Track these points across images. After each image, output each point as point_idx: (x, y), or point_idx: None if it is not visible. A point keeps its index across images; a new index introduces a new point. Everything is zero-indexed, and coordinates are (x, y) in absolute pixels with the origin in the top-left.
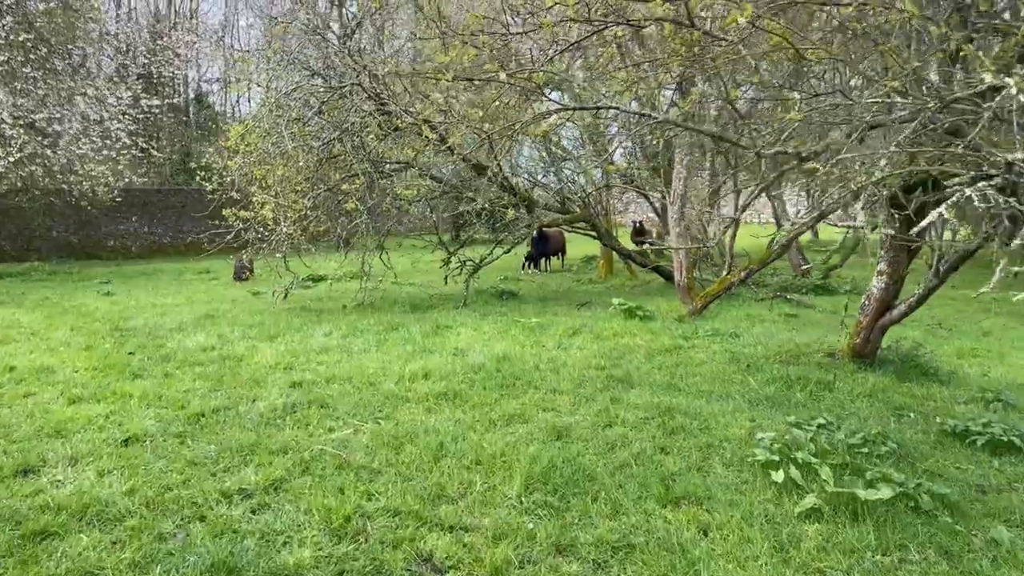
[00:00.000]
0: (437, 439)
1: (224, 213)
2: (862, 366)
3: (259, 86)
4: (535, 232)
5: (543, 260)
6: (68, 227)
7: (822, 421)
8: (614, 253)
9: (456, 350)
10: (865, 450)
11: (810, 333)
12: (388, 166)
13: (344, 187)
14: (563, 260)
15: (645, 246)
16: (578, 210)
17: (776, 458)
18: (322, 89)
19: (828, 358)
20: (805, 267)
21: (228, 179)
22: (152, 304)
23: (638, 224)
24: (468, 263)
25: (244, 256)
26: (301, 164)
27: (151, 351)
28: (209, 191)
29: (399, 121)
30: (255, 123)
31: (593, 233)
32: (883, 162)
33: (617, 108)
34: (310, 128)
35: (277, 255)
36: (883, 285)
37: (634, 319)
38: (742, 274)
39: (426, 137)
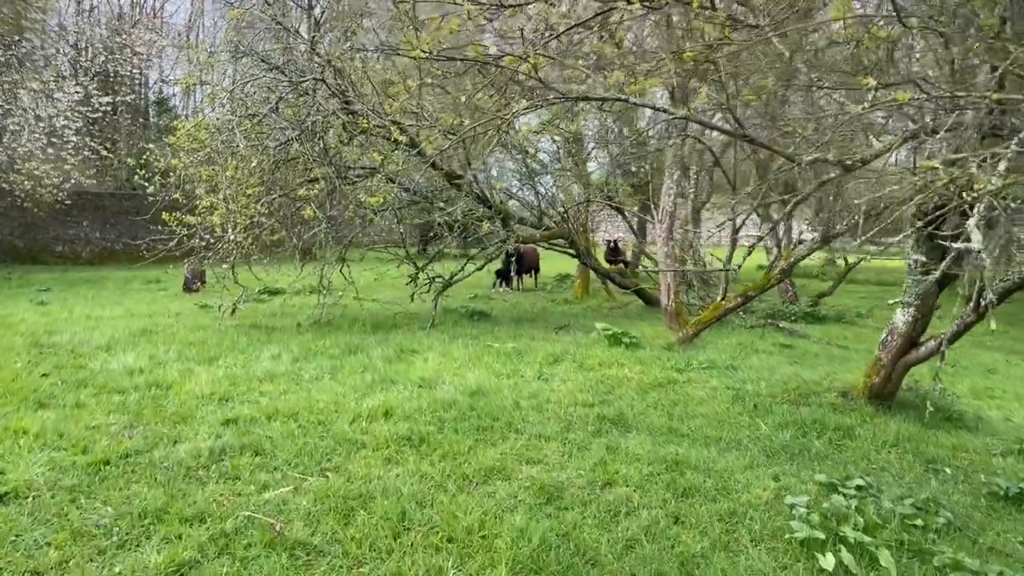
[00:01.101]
0: (398, 504)
1: (164, 217)
2: (880, 409)
3: (207, 84)
4: (509, 248)
5: (516, 278)
6: (12, 229)
7: (860, 482)
8: (591, 272)
9: (422, 380)
10: (920, 522)
11: (814, 368)
12: (352, 171)
13: (301, 192)
14: (536, 278)
15: (624, 266)
16: (555, 226)
17: (819, 535)
18: (283, 83)
19: (841, 398)
20: (791, 292)
21: (171, 180)
22: (86, 316)
23: (612, 243)
24: (437, 280)
25: (187, 265)
26: (254, 165)
27: (68, 373)
28: (149, 193)
29: (365, 122)
30: (203, 115)
31: (572, 251)
32: (1003, 165)
33: (627, 100)
34: (266, 126)
35: (224, 266)
36: (909, 319)
37: (619, 346)
38: (738, 300)
39: (395, 140)
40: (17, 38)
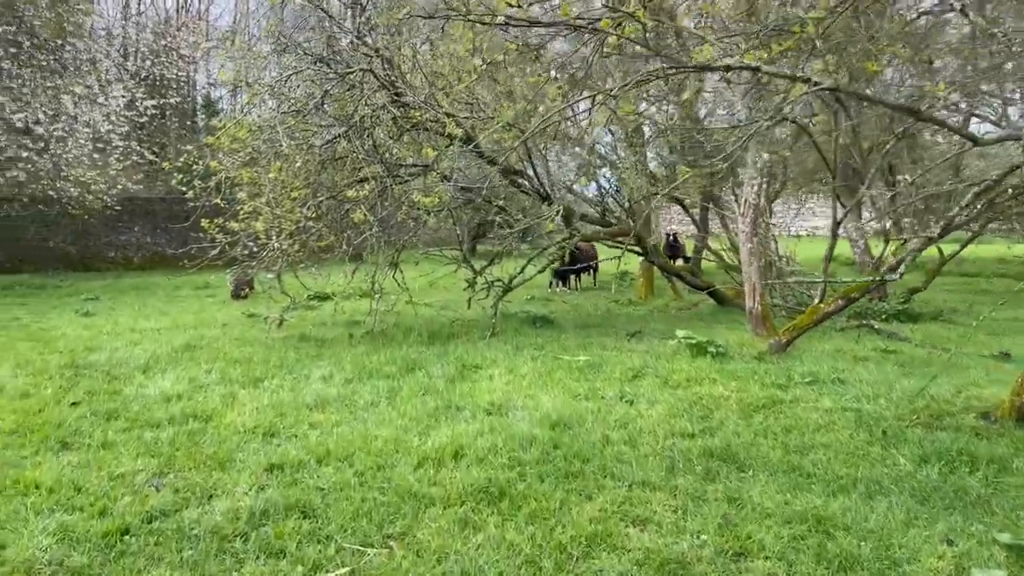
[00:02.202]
0: None
1: (203, 224)
2: None
3: (251, 84)
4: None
5: (573, 277)
6: (65, 237)
7: None
8: (655, 270)
9: (491, 406)
10: None
11: (932, 379)
12: (404, 169)
13: (350, 194)
14: (595, 277)
15: (684, 261)
16: (619, 222)
17: None
18: (329, 76)
19: (983, 420)
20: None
21: (213, 183)
22: (130, 329)
23: (672, 236)
24: (496, 284)
25: (231, 275)
26: (299, 166)
27: (100, 401)
28: (188, 197)
29: (419, 114)
30: (246, 113)
31: (637, 249)
32: None
33: (756, 68)
34: (312, 122)
35: (269, 275)
36: None
37: (704, 356)
38: (839, 302)
39: (449, 135)
40: (60, 42)
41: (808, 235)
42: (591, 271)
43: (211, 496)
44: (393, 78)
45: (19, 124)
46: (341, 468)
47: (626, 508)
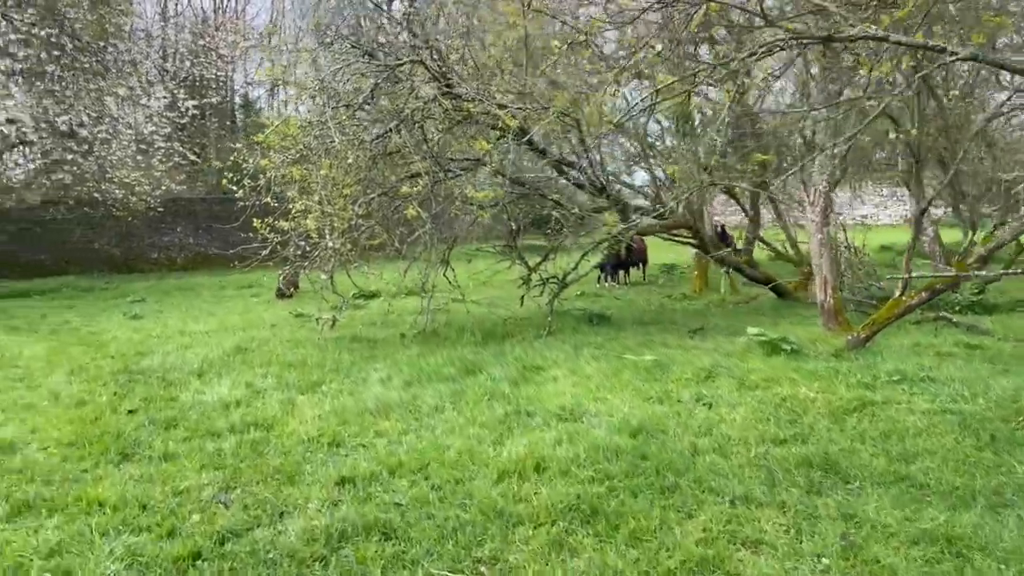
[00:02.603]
0: None
1: (256, 224)
2: None
3: (290, 83)
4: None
5: (622, 272)
6: (110, 239)
7: None
8: (709, 263)
9: (562, 411)
10: None
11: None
12: (455, 163)
13: (404, 189)
14: (645, 271)
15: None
16: (674, 214)
17: None
18: (378, 68)
19: None
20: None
21: (262, 182)
22: (180, 331)
23: (720, 228)
24: (551, 281)
25: (282, 276)
26: (350, 162)
27: (157, 408)
28: (238, 197)
29: (471, 106)
30: (293, 110)
31: (693, 241)
32: None
33: (884, 38)
34: (361, 118)
35: (323, 275)
36: None
37: (779, 355)
38: (922, 295)
39: (502, 128)
40: (103, 44)
41: (861, 224)
42: (640, 265)
43: (282, 513)
44: (444, 69)
45: (63, 127)
46: (416, 481)
47: (733, 528)
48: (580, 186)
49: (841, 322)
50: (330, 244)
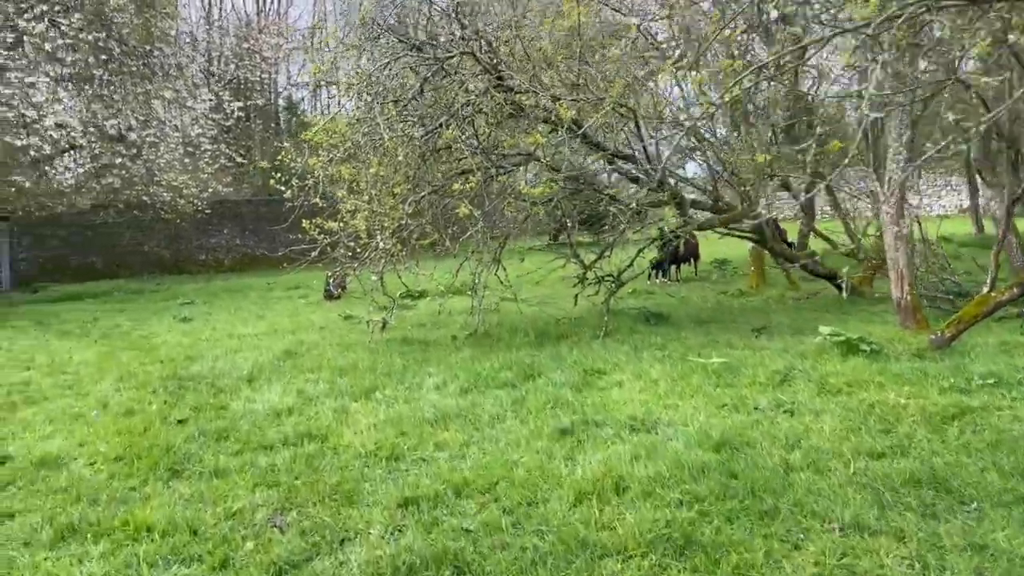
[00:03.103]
0: None
1: (304, 226)
2: None
3: (334, 84)
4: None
5: (674, 268)
6: (159, 242)
7: None
8: (766, 257)
9: (633, 421)
10: None
11: None
12: (507, 159)
13: (456, 187)
14: (696, 267)
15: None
16: (730, 207)
17: None
18: (428, 62)
19: None
20: None
21: (310, 182)
22: (228, 335)
23: (773, 221)
24: (607, 279)
25: (332, 278)
26: (400, 159)
27: (208, 418)
28: (286, 198)
29: (524, 98)
30: (340, 108)
31: (753, 236)
32: None
33: None
34: (409, 113)
35: (372, 277)
36: None
37: (857, 356)
38: (1013, 291)
39: (555, 120)
40: (148, 48)
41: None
42: (692, 261)
43: (343, 540)
44: (495, 61)
45: (112, 131)
46: (485, 504)
47: (850, 561)
48: (635, 180)
49: (919, 320)
50: (381, 245)
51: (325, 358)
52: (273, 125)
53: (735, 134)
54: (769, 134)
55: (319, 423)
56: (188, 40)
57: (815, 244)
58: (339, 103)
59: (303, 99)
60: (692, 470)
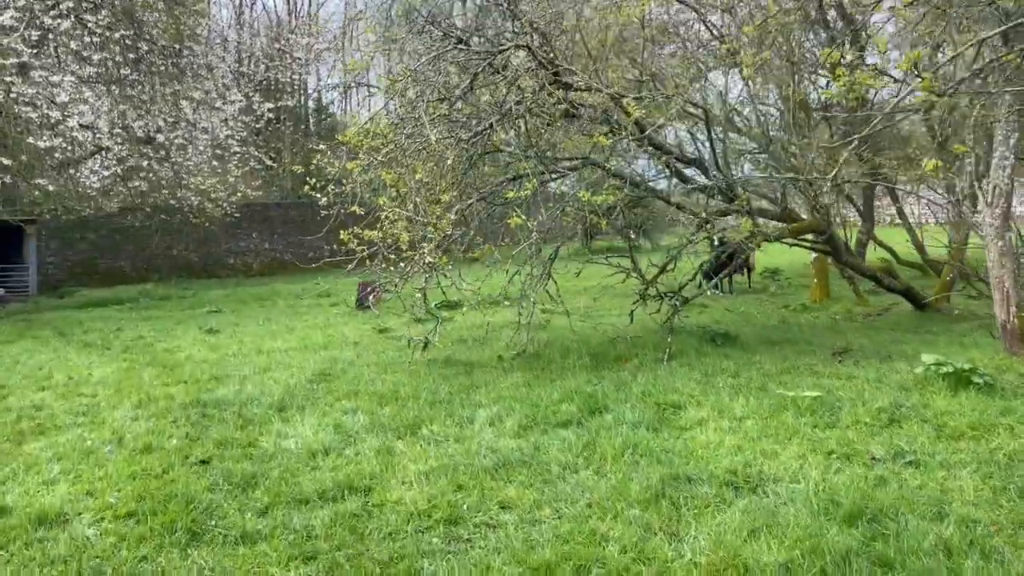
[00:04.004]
0: None
1: (343, 236)
2: None
3: (365, 85)
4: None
5: (727, 280)
6: (188, 245)
7: None
8: (830, 269)
9: (735, 476)
10: None
11: None
12: (561, 163)
13: (511, 194)
14: (750, 277)
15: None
16: (803, 217)
17: None
18: (478, 56)
19: None
20: None
21: (348, 187)
22: (257, 350)
23: None
24: (670, 296)
25: (372, 297)
26: (450, 163)
27: (234, 457)
28: (322, 204)
29: (587, 96)
30: (383, 109)
31: (824, 248)
32: None
33: None
34: (456, 112)
35: (416, 293)
36: None
37: (968, 389)
38: None
39: (616, 121)
40: (178, 47)
41: None
42: (745, 271)
43: None
44: (552, 56)
45: (140, 133)
46: None
47: None
48: (701, 189)
49: None
50: (428, 259)
51: (362, 381)
52: (303, 127)
53: (796, 136)
54: (827, 135)
55: (361, 468)
56: (219, 42)
57: (873, 253)
58: (372, 105)
59: (332, 101)
60: (833, 554)
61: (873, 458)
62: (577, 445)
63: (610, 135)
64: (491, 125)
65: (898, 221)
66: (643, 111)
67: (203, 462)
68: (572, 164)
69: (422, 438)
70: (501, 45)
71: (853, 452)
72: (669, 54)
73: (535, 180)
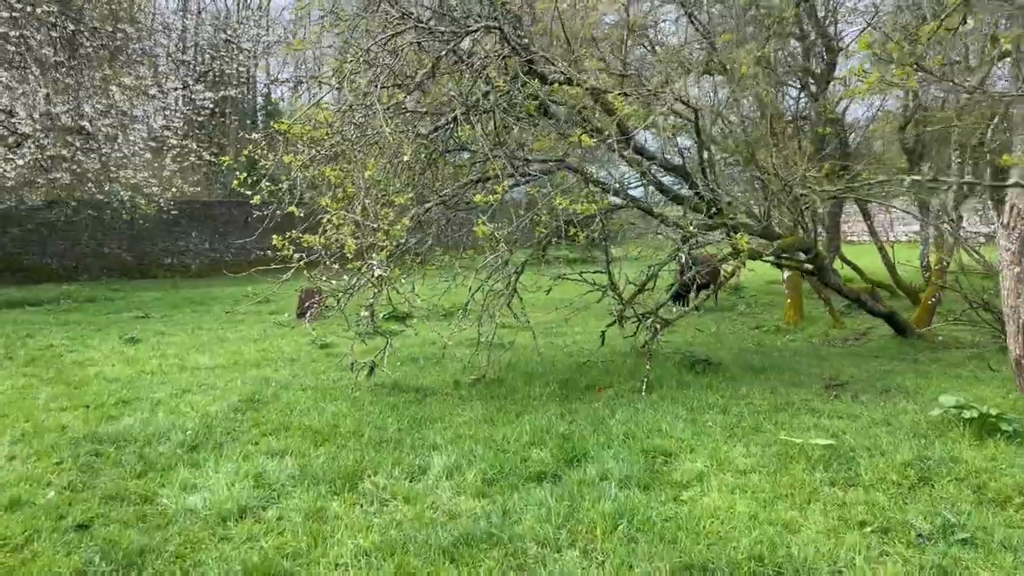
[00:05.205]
0: None
1: (275, 241)
2: None
3: (316, 79)
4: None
5: (692, 295)
6: (120, 243)
7: None
8: (803, 287)
9: (760, 563)
10: None
11: None
12: (534, 165)
13: (479, 198)
14: (717, 294)
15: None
16: (789, 234)
17: None
18: (440, 39)
19: None
20: None
21: (285, 184)
22: (179, 366)
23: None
24: (649, 318)
25: (309, 314)
26: (406, 159)
27: (124, 520)
28: (254, 204)
29: (567, 88)
30: (334, 87)
31: (807, 267)
32: None
33: None
34: (415, 104)
35: (363, 311)
36: None
37: (995, 437)
38: None
39: (597, 120)
40: (110, 29)
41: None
42: (711, 287)
43: None
44: (527, 42)
45: (65, 119)
46: None
47: None
48: (679, 200)
49: None
50: (377, 272)
51: (296, 411)
52: (250, 122)
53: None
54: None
55: (283, 541)
56: (160, 28)
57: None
58: (319, 93)
59: (283, 97)
60: None
61: (919, 536)
62: (557, 512)
63: (591, 135)
64: (455, 119)
65: (865, 238)
66: (631, 107)
67: (81, 527)
68: (545, 167)
69: (363, 495)
70: (468, 27)
71: (890, 524)
72: (640, 56)
73: (506, 183)
